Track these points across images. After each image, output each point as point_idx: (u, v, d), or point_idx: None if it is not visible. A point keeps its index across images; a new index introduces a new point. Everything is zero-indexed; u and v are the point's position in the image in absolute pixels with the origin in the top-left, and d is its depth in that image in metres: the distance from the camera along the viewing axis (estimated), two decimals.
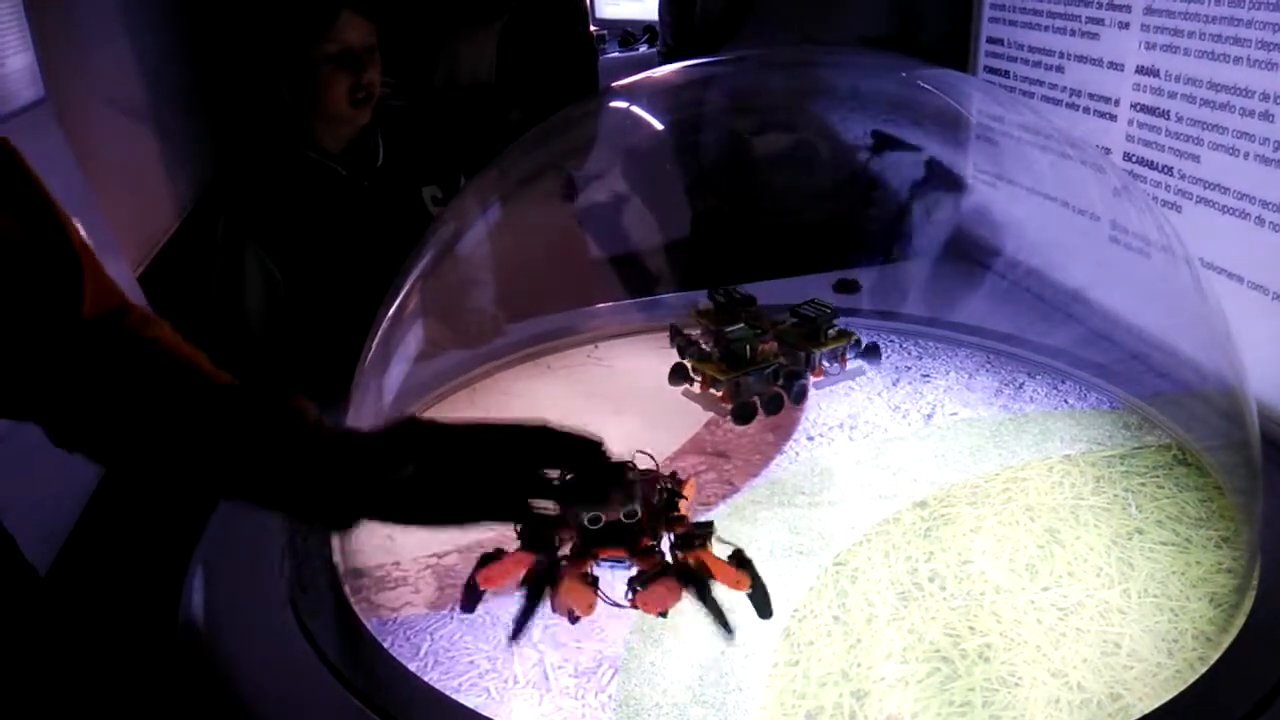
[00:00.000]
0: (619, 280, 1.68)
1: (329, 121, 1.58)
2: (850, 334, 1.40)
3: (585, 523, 0.87)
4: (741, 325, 1.32)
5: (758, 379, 1.29)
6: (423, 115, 1.74)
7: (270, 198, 1.58)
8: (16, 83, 1.41)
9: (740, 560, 0.91)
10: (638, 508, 0.89)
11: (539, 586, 0.87)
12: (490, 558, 0.93)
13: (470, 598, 0.96)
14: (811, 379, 1.36)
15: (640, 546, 0.89)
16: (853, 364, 1.41)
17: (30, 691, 0.78)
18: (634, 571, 0.89)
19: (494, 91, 2.09)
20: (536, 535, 0.91)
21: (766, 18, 1.97)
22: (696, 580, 0.87)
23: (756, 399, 1.29)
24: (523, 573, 0.90)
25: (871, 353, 1.42)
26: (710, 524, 0.92)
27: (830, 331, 1.37)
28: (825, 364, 1.37)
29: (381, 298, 1.15)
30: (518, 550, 0.91)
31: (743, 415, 1.28)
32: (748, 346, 1.29)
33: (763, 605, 0.92)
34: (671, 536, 0.91)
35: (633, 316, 1.60)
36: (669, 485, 0.95)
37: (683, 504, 0.95)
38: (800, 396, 1.32)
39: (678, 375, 1.37)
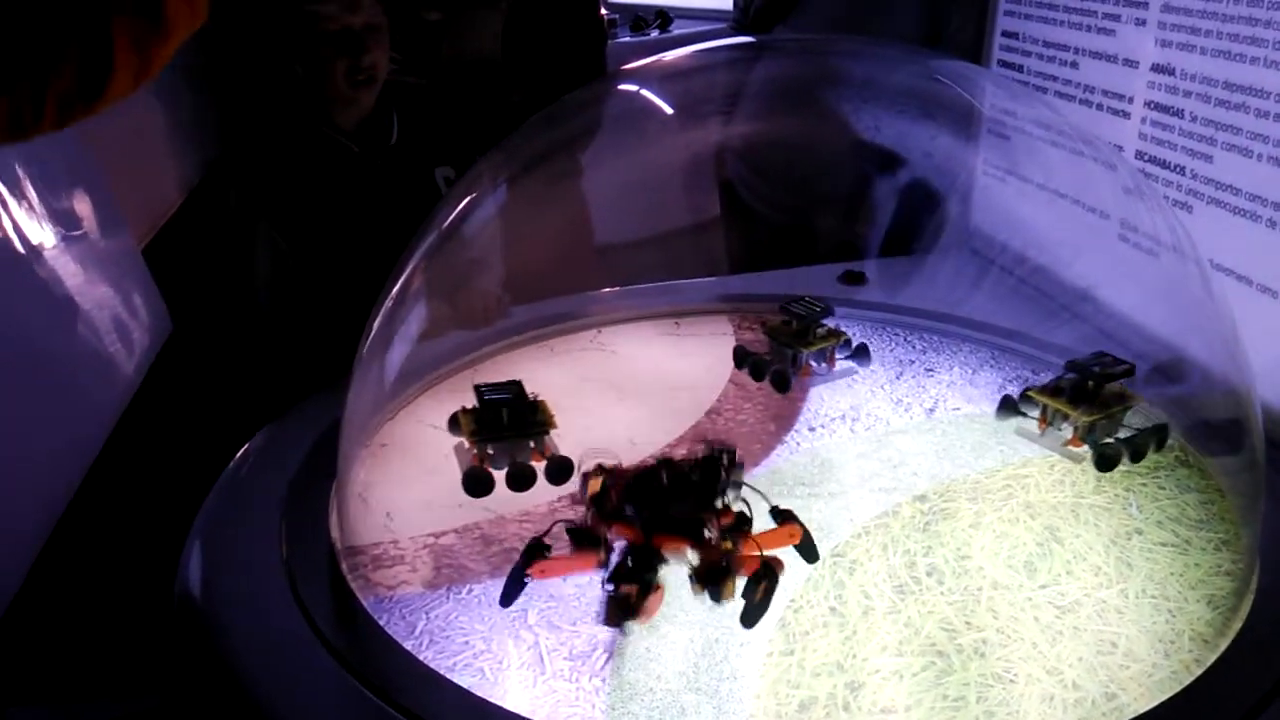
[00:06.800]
0: (624, 265, 1.67)
1: (334, 100, 1.57)
2: (840, 334, 1.36)
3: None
4: None
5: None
6: (437, 94, 1.73)
7: (282, 172, 1.57)
8: None
9: (783, 515, 0.92)
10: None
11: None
12: (538, 550, 0.90)
13: (512, 590, 0.91)
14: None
15: (704, 539, 0.87)
16: (842, 364, 1.37)
17: None
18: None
19: (499, 71, 2.07)
20: (587, 534, 0.88)
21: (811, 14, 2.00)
22: (774, 578, 0.87)
23: None
24: (581, 566, 0.89)
25: (861, 354, 1.37)
26: (749, 519, 0.90)
27: (819, 331, 1.33)
28: (812, 364, 1.33)
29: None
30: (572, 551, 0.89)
31: None
32: None
33: (810, 551, 0.94)
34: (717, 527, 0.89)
35: (637, 302, 1.60)
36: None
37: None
38: None
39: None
